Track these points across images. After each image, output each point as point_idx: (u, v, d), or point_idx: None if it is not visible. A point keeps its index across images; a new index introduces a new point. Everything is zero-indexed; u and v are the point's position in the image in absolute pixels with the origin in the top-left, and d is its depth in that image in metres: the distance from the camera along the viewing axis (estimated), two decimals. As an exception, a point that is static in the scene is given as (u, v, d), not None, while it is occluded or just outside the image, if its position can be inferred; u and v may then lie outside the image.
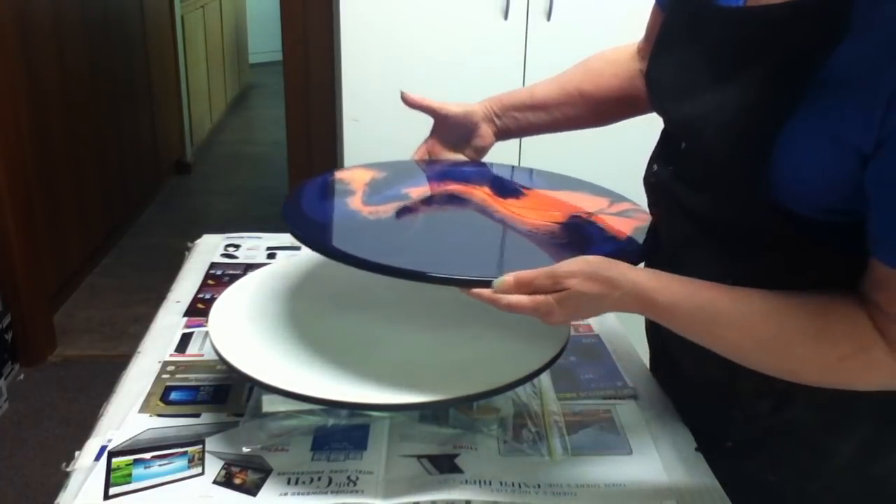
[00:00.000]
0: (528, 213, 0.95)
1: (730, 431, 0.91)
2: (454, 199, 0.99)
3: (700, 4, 0.83)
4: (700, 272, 0.85)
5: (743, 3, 0.79)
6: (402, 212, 0.95)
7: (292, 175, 2.82)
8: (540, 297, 0.74)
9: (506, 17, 2.08)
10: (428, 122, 1.11)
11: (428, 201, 0.99)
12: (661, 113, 0.93)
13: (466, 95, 1.12)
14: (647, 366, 1.07)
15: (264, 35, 6.68)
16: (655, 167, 0.94)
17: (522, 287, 0.75)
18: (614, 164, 1.70)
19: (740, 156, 0.74)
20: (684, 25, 0.86)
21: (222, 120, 5.71)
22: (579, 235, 0.90)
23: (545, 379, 0.99)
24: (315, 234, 0.88)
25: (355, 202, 0.96)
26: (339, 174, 1.08)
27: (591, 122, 1.11)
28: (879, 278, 0.70)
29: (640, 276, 0.76)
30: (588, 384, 1.02)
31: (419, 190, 1.01)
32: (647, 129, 1.05)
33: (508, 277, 0.74)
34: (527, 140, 1.91)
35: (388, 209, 0.94)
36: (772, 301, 0.74)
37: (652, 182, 0.94)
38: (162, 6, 4.32)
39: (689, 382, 0.94)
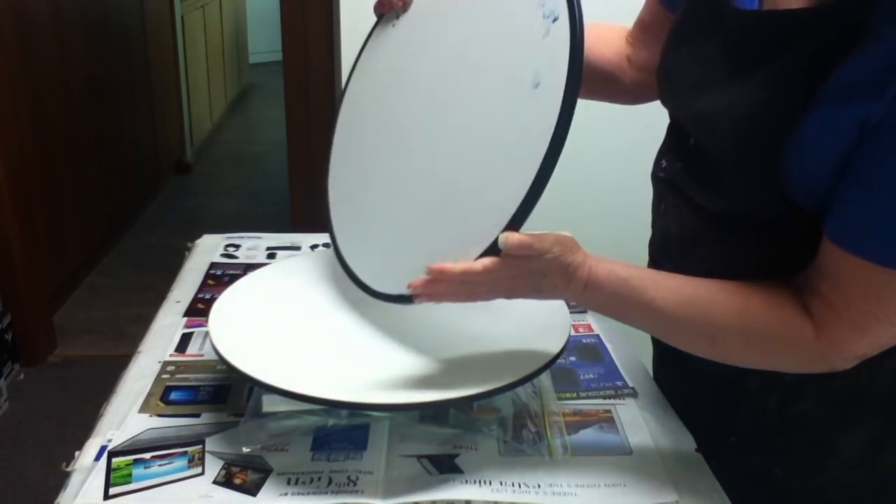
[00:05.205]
0: None
1: (736, 426, 0.91)
2: None
3: (717, 3, 0.82)
4: (709, 267, 0.85)
5: (758, 6, 0.79)
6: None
7: (292, 175, 2.81)
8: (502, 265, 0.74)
9: (506, 17, 2.08)
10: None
11: None
12: (670, 107, 0.92)
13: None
14: (646, 365, 1.07)
15: (264, 35, 6.68)
16: (664, 162, 0.94)
17: (523, 248, 0.74)
18: (621, 159, 1.71)
19: (753, 152, 0.74)
20: (700, 21, 0.86)
21: (222, 120, 5.71)
22: None
23: (545, 379, 0.99)
24: None
25: None
26: None
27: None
28: (830, 267, 0.71)
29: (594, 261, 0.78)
30: (588, 384, 1.02)
31: None
32: (653, 124, 1.04)
33: (511, 236, 0.73)
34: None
35: None
36: (699, 279, 0.79)
37: (660, 177, 0.94)
38: (162, 6, 4.32)
39: (697, 377, 0.94)
